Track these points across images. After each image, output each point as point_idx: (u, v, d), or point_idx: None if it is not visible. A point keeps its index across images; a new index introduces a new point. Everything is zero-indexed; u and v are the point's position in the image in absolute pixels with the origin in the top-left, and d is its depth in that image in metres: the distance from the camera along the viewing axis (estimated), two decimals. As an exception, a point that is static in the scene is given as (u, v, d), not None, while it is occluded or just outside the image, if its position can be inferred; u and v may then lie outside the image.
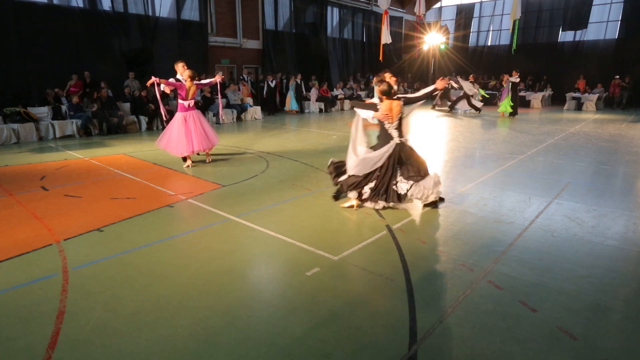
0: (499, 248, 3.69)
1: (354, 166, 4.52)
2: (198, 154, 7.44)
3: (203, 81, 7.16)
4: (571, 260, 3.46)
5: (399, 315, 2.66)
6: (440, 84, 4.69)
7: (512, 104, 14.42)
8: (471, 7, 23.33)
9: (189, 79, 6.70)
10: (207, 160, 7.29)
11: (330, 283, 3.08)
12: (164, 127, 7.47)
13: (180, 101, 6.82)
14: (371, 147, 4.67)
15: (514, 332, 2.50)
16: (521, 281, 3.10)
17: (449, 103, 16.63)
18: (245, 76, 16.01)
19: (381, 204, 4.55)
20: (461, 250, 3.65)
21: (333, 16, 20.29)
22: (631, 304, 2.83)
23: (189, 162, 6.95)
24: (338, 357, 2.29)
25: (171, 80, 6.68)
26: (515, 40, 16.63)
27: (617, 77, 17.61)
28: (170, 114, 7.93)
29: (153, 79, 6.29)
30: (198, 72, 14.16)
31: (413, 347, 2.36)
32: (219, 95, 8.24)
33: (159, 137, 6.96)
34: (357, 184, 4.56)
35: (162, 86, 6.72)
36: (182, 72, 6.84)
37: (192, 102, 6.86)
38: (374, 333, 2.49)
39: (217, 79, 7.01)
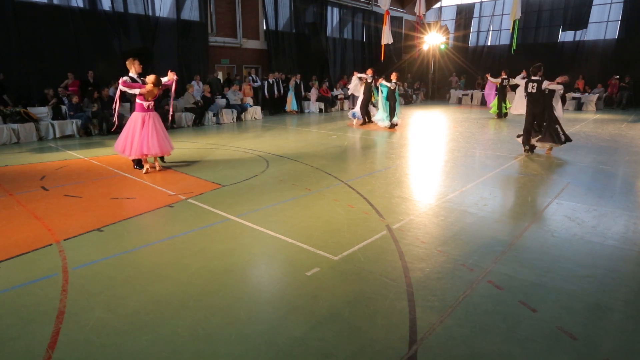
0: (499, 248, 3.69)
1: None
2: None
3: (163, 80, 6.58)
4: (571, 260, 3.46)
5: (399, 315, 2.66)
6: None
7: (504, 104, 14.43)
8: (471, 7, 23.34)
9: (152, 84, 6.28)
10: (157, 168, 6.66)
11: (330, 283, 3.08)
12: (116, 131, 6.87)
13: (138, 101, 6.36)
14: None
15: (514, 332, 2.50)
16: (521, 281, 3.10)
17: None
18: (254, 76, 16.00)
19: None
20: (461, 250, 3.65)
21: (333, 16, 20.30)
22: (631, 304, 2.83)
23: (146, 166, 6.53)
24: (338, 357, 2.29)
25: (133, 82, 6.35)
26: (515, 40, 16.62)
27: (617, 76, 17.60)
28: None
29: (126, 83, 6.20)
30: (198, 72, 14.25)
31: (413, 347, 2.36)
32: (172, 96, 7.12)
33: (117, 141, 6.53)
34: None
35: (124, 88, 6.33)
36: (137, 69, 6.55)
37: (151, 104, 6.44)
38: (374, 333, 2.49)
39: (172, 77, 6.57)
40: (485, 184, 5.80)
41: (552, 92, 7.41)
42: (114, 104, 6.58)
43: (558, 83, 7.31)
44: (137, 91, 6.30)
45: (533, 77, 7.48)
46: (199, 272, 3.26)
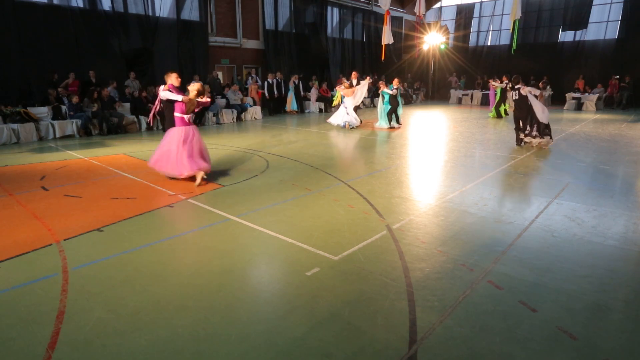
0: (499, 248, 3.69)
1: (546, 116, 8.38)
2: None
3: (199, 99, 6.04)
4: (571, 260, 3.46)
5: (399, 315, 2.66)
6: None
7: (504, 107, 14.59)
8: (471, 7, 23.33)
9: (197, 92, 5.86)
10: (198, 182, 5.85)
11: (330, 283, 3.08)
12: (162, 128, 6.61)
13: (178, 115, 5.84)
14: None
15: (514, 332, 2.50)
16: (521, 281, 3.10)
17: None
18: (254, 76, 16.00)
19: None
20: (461, 250, 3.65)
21: (333, 16, 20.30)
22: (631, 304, 2.83)
23: (199, 179, 5.84)
24: (338, 357, 2.29)
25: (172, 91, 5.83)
26: (515, 40, 16.60)
27: (617, 76, 17.59)
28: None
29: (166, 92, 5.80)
30: (198, 72, 14.24)
31: (413, 347, 2.36)
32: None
33: (152, 156, 6.03)
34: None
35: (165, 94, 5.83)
36: (176, 83, 5.95)
37: (191, 117, 5.98)
38: (374, 333, 2.49)
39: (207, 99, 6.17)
40: (485, 184, 5.80)
41: (534, 96, 8.34)
42: (154, 108, 6.28)
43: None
44: (179, 98, 5.74)
45: (515, 87, 8.68)
46: (199, 272, 3.26)
